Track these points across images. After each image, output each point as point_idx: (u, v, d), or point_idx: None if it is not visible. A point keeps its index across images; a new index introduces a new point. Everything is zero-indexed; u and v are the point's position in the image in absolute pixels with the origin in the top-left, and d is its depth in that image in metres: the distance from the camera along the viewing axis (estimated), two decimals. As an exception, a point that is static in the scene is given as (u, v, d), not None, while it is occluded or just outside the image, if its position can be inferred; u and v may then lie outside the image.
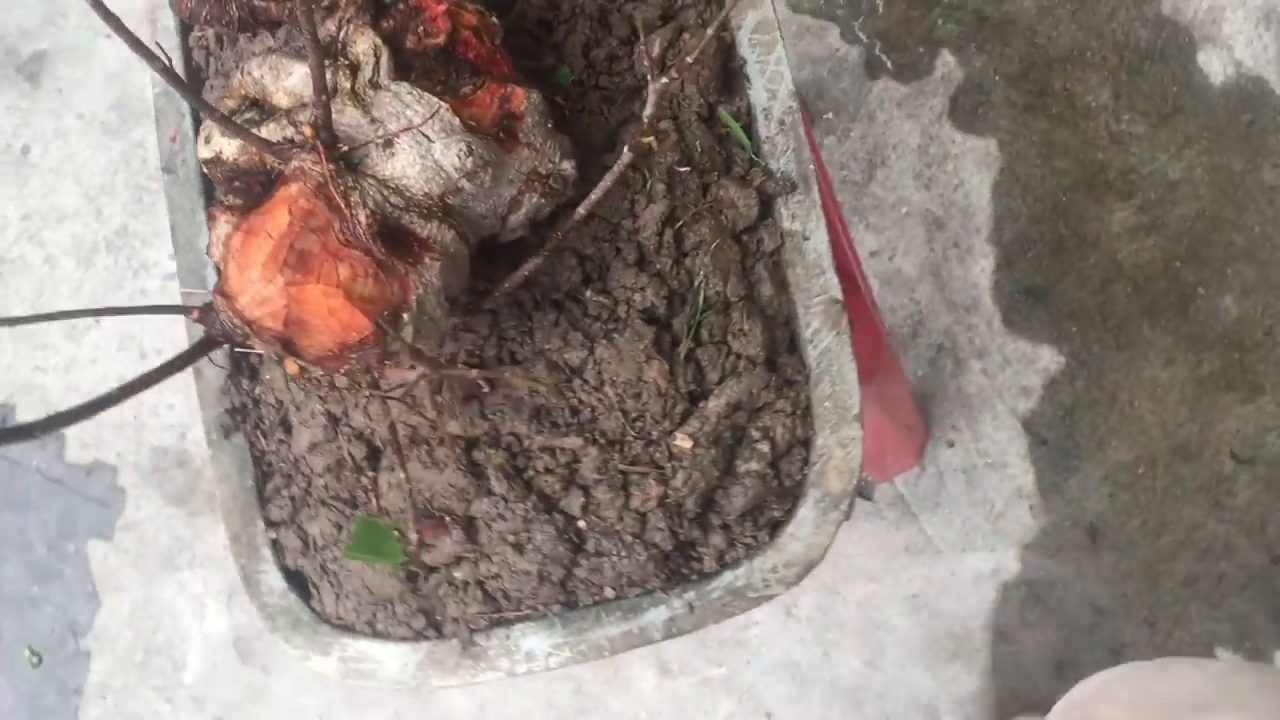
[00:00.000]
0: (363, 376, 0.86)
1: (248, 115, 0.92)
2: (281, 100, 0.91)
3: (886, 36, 2.04)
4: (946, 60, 2.01)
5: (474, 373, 0.92)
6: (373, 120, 0.87)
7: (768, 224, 1.04)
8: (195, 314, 0.86)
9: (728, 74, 1.07)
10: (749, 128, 1.06)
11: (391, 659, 1.10)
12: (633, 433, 1.01)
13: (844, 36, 2.06)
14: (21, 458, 2.40)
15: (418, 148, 0.87)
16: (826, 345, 1.02)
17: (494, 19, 0.95)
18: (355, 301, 0.84)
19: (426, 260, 0.87)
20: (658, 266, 1.02)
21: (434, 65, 0.91)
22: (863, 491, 1.94)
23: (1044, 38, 1.98)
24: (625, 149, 0.90)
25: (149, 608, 2.27)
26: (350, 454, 1.09)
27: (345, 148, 0.86)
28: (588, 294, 1.02)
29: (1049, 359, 1.89)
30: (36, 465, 2.37)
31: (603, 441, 1.02)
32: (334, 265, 0.84)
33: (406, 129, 0.86)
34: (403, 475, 1.03)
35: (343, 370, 0.87)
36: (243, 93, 0.93)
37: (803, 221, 1.04)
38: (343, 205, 0.85)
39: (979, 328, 1.93)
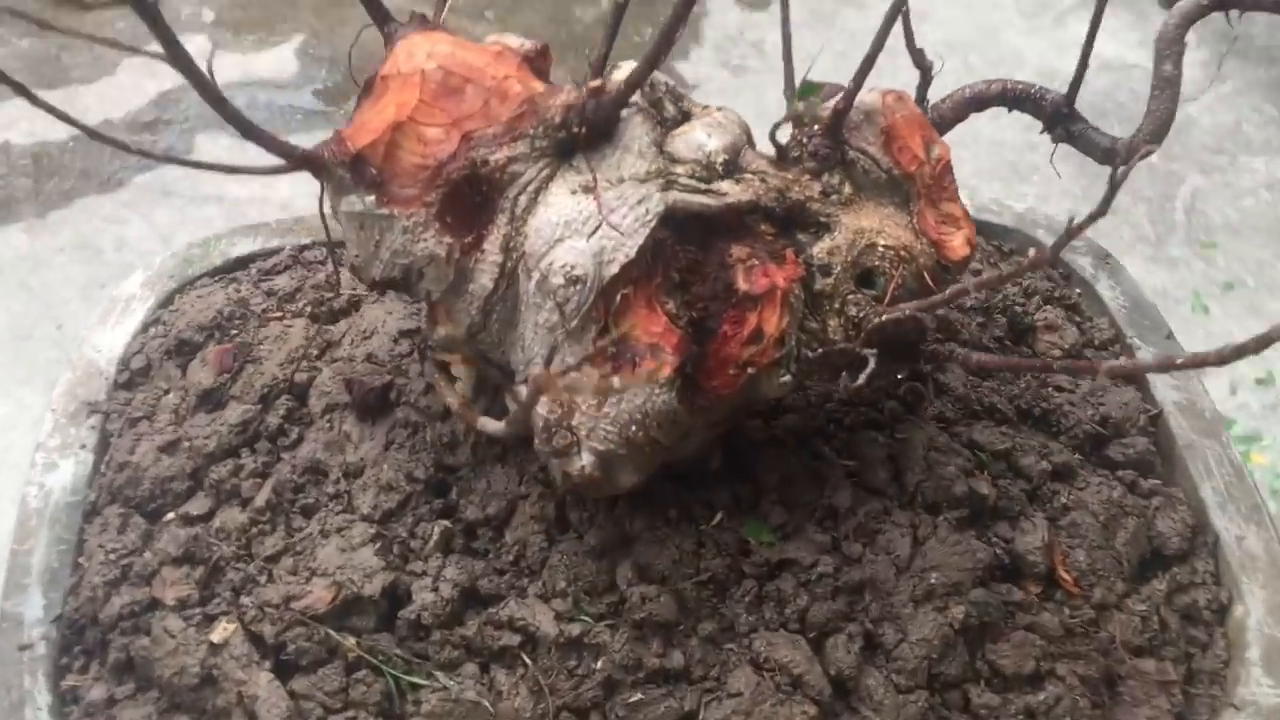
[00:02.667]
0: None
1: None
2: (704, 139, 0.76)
3: None
4: None
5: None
6: (621, 179, 0.70)
7: None
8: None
9: None
10: None
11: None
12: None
13: None
14: None
15: (580, 226, 0.69)
16: None
17: (781, 378, 0.72)
18: (404, 141, 0.70)
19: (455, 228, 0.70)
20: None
21: (705, 274, 0.71)
22: None
23: None
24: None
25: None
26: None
27: (578, 130, 0.70)
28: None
29: None
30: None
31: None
32: (441, 116, 0.70)
33: (606, 212, 0.68)
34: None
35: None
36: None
37: None
38: (502, 134, 0.70)
39: None
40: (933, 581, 0.78)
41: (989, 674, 0.78)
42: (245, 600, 0.75)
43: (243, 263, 1.00)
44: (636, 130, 0.72)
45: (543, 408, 0.71)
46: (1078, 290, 1.03)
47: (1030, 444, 0.88)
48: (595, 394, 0.70)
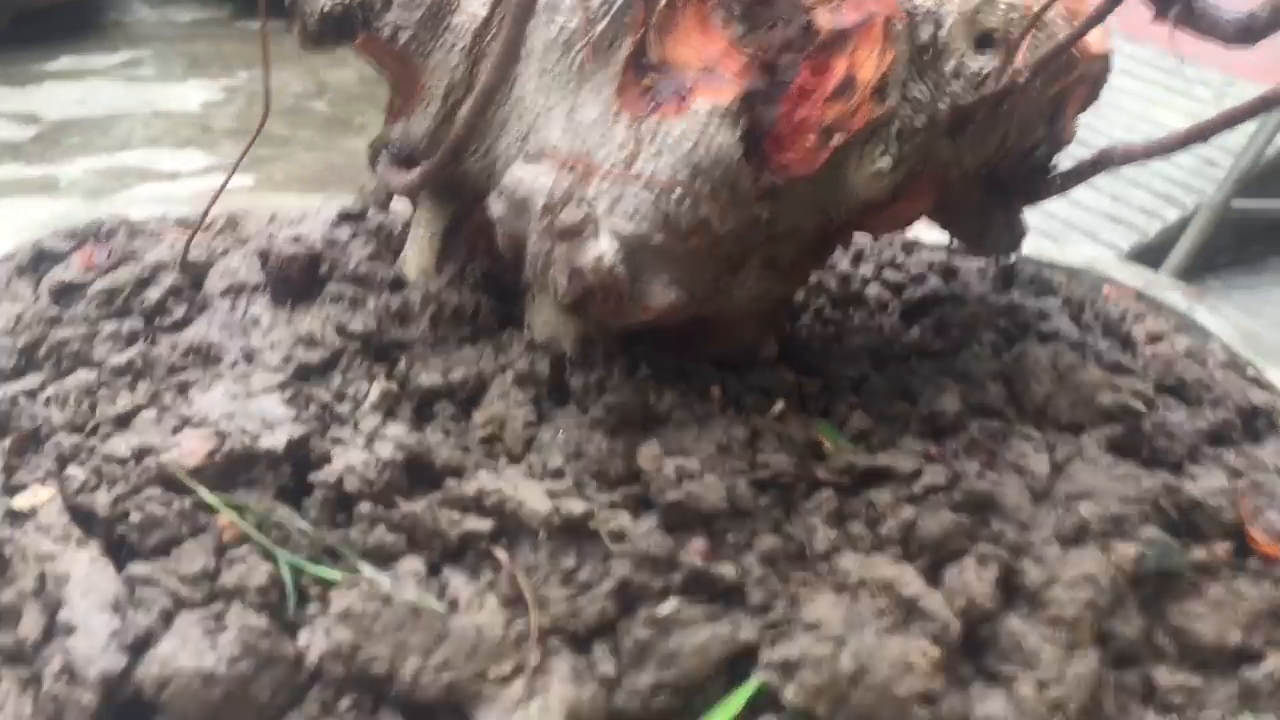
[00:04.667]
0: None
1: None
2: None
3: None
4: None
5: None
6: None
7: None
8: None
9: None
10: None
11: None
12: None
13: None
14: None
15: None
16: None
17: (878, 161, 0.52)
18: None
19: None
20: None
21: (773, 18, 0.52)
22: None
23: None
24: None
25: None
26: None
27: None
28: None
29: None
30: None
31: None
32: None
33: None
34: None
35: None
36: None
37: None
38: None
39: None
40: (1084, 513, 0.54)
41: (1175, 651, 0.53)
42: (74, 470, 0.50)
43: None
44: None
45: (545, 174, 0.50)
46: (1170, 321, 0.84)
47: (1172, 403, 0.66)
48: (623, 145, 0.49)
